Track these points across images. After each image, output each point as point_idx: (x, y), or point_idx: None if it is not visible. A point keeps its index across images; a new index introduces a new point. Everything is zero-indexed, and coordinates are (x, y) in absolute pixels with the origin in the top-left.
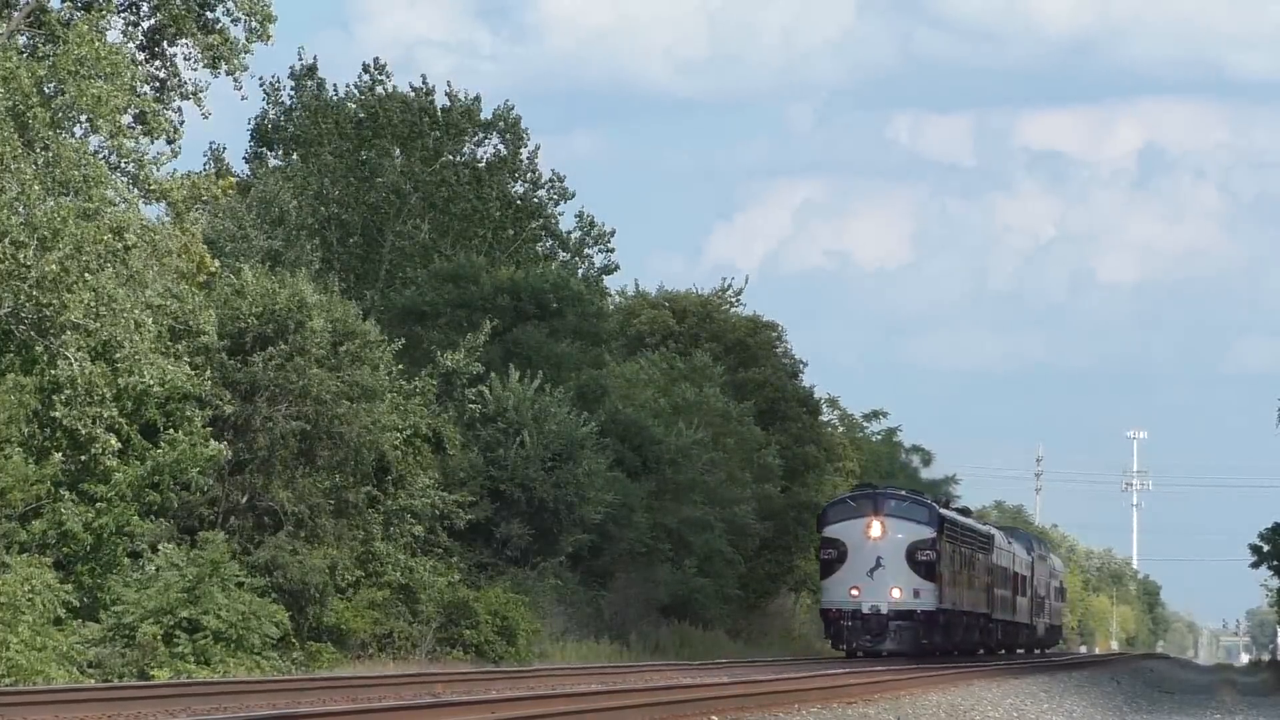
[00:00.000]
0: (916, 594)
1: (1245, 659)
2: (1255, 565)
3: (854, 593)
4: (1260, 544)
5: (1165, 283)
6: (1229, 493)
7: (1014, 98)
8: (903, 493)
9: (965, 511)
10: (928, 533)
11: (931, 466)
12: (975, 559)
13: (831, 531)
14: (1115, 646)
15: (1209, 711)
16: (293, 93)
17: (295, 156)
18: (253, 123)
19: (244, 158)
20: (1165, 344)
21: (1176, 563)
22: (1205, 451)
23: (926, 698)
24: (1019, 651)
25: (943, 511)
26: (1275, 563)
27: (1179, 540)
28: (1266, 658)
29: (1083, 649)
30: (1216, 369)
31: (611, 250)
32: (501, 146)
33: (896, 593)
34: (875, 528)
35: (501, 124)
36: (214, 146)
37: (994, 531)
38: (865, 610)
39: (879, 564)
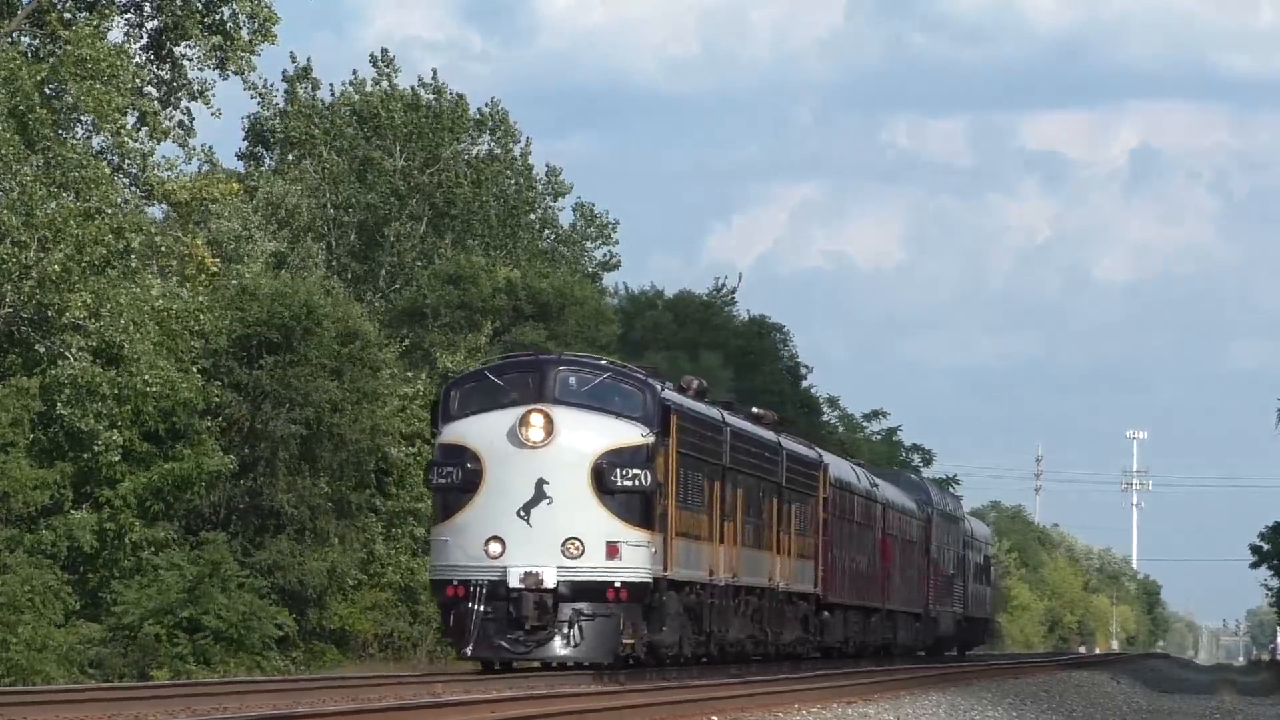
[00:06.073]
0: (614, 552)
1: (1241, 659)
2: (1255, 565)
3: (493, 548)
4: (1260, 544)
5: (1161, 282)
6: (1229, 493)
7: (1010, 99)
8: (601, 362)
9: (758, 417)
10: (636, 435)
11: (932, 466)
12: (777, 497)
13: (455, 433)
14: (1115, 646)
15: (1209, 711)
16: (286, 94)
17: (291, 157)
18: (247, 123)
19: (237, 155)
20: (1162, 344)
21: (1176, 563)
22: (1205, 451)
23: (926, 697)
24: (920, 654)
25: (670, 397)
26: (1275, 563)
27: (1179, 540)
28: (1266, 657)
29: (1082, 649)
30: (1213, 369)
31: (615, 244)
32: (493, 144)
33: (574, 548)
34: (536, 426)
35: (491, 121)
36: (205, 148)
37: (827, 458)
38: (513, 582)
39: (541, 494)
